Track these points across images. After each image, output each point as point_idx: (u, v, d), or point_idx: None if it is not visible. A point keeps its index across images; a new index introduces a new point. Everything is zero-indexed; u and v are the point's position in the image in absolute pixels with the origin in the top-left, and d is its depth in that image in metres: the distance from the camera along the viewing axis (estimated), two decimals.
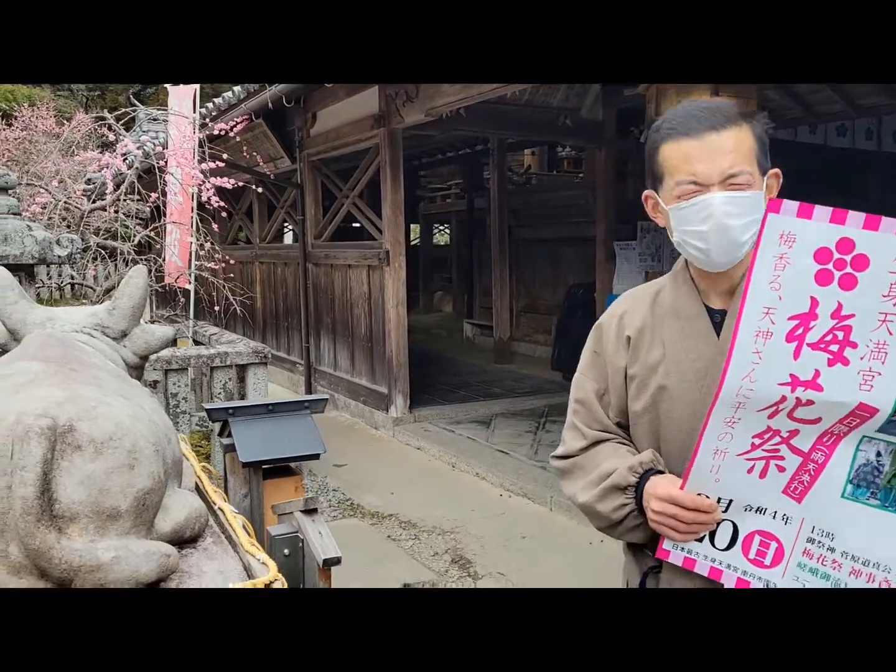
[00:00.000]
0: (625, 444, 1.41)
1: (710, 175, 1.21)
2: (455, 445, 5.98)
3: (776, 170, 1.30)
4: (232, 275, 6.43)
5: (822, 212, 1.05)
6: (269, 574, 1.64)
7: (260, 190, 7.48)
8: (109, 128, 5.50)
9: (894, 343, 1.06)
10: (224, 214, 6.55)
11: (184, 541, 1.84)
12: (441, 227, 15.33)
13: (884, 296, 1.04)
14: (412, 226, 15.11)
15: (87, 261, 5.10)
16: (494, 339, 9.50)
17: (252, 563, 1.72)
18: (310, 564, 1.78)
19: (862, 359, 1.07)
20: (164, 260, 5.68)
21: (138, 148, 5.34)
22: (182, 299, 5.99)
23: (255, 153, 6.66)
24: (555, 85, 6.52)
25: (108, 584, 1.54)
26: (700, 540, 1.25)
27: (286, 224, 9.74)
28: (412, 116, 5.95)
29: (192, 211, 6.03)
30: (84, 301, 5.80)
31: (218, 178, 5.71)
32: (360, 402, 7.10)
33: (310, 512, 1.87)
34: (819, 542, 1.19)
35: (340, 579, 3.82)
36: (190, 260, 6.18)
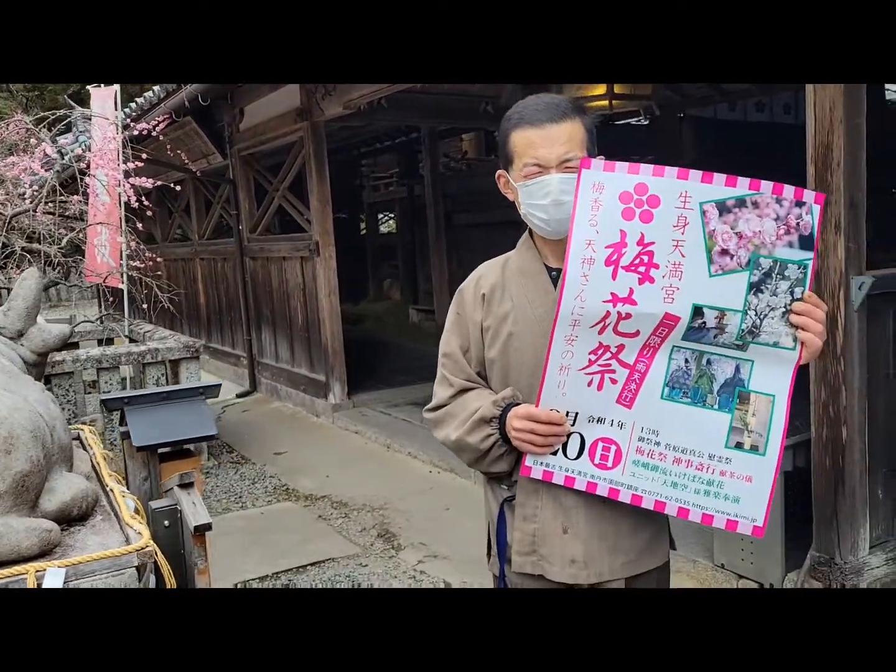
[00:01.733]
0: (489, 390, 1.63)
1: (550, 159, 1.46)
2: (390, 427, 6.16)
3: (601, 157, 1.51)
4: (160, 272, 6.51)
5: (621, 166, 1.35)
6: (142, 541, 1.80)
7: (179, 188, 7.53)
8: (30, 130, 5.53)
9: (687, 263, 1.34)
10: (150, 213, 6.60)
11: (72, 518, 1.99)
12: (387, 216, 15.46)
13: (674, 226, 1.33)
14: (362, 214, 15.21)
15: (13, 265, 5.16)
16: (436, 322, 9.69)
17: (131, 534, 1.89)
18: (187, 532, 1.95)
19: (664, 277, 1.34)
20: (86, 260, 5.74)
21: (58, 151, 5.40)
22: (111, 298, 6.06)
23: (179, 151, 6.73)
24: None
25: None
26: (555, 454, 1.48)
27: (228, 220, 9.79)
28: (332, 109, 6.07)
29: (120, 211, 6.09)
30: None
31: (139, 178, 5.79)
32: (300, 391, 7.25)
33: (186, 486, 2.04)
34: (647, 439, 1.44)
35: (271, 557, 4.02)
36: (120, 259, 6.25)
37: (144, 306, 5.61)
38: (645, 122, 9.28)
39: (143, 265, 5.74)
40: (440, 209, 9.45)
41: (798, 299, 1.34)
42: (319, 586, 3.71)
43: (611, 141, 9.60)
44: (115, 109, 6.34)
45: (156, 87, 6.51)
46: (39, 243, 5.71)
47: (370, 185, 14.16)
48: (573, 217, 1.37)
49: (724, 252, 1.33)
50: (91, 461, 2.50)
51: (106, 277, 5.78)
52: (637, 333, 1.39)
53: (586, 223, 1.36)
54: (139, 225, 5.92)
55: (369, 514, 4.64)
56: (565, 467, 1.49)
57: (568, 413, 1.46)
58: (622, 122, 9.31)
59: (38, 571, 1.67)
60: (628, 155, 10.64)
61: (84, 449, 2.68)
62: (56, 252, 5.51)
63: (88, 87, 6.51)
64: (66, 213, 6.57)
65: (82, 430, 2.88)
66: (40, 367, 2.68)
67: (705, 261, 1.33)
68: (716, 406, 1.40)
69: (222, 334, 9.18)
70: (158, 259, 6.41)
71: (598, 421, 1.46)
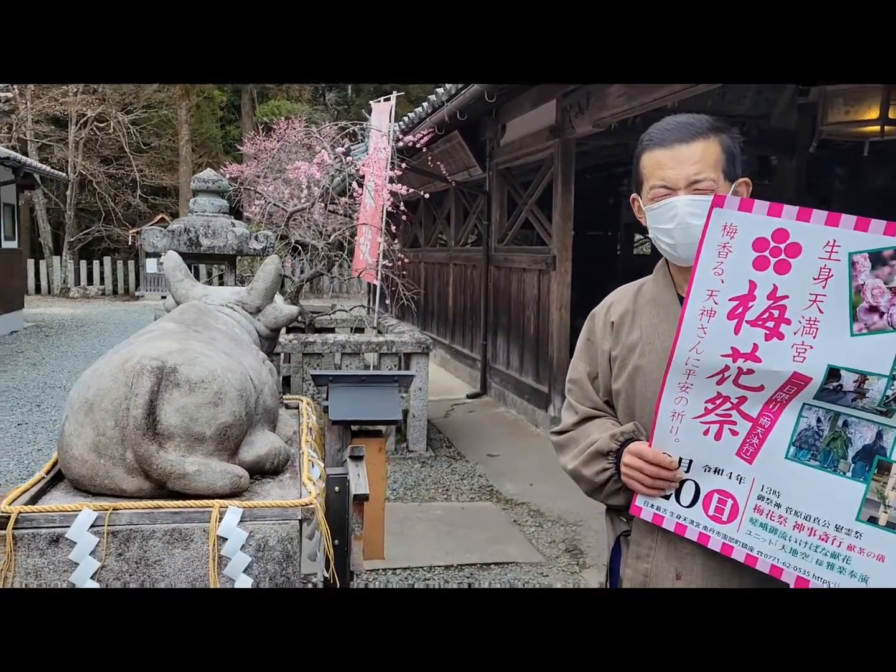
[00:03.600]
0: (613, 420, 1.61)
1: (677, 180, 1.40)
2: None
3: (745, 178, 1.46)
4: (404, 272, 7.05)
5: (760, 206, 1.24)
6: (307, 498, 2.05)
7: (427, 196, 8.06)
8: (351, 136, 6.36)
9: (824, 320, 1.22)
10: (405, 218, 7.19)
11: (266, 471, 2.31)
12: (644, 237, 15.15)
13: (814, 279, 1.22)
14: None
15: (286, 254, 5.95)
16: None
17: (304, 492, 2.15)
18: (351, 499, 2.17)
19: (795, 333, 1.24)
20: (348, 256, 6.43)
21: (335, 159, 6.12)
22: (365, 293, 6.70)
23: (439, 162, 7.24)
24: (742, 92, 6.39)
25: (190, 490, 2.03)
26: (667, 497, 1.44)
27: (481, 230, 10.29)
28: (582, 127, 6.16)
29: (382, 214, 6.72)
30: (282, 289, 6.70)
31: (396, 185, 6.34)
32: (524, 399, 7.42)
33: (356, 459, 2.27)
34: (768, 499, 1.34)
35: (460, 550, 4.22)
36: (378, 258, 6.90)
37: (387, 301, 6.12)
38: None
39: (391, 265, 6.29)
40: None
41: None
42: (498, 586, 3.83)
43: None
44: (390, 122, 7.00)
45: (424, 104, 7.09)
46: (317, 237, 6.50)
47: (628, 205, 14.00)
48: (696, 262, 1.28)
49: (873, 309, 1.19)
50: (299, 428, 2.86)
51: (360, 273, 6.42)
52: (761, 388, 1.29)
53: (710, 271, 1.28)
54: (393, 228, 6.49)
55: (562, 527, 4.67)
56: (677, 514, 1.43)
57: (681, 459, 1.39)
58: None
59: (221, 507, 1.96)
60: None
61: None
62: (323, 246, 6.22)
63: (371, 102, 7.25)
64: (339, 213, 7.36)
65: (302, 401, 3.29)
66: (272, 341, 3.10)
67: (847, 318, 1.20)
68: (849, 473, 1.26)
69: (463, 337, 9.67)
70: (406, 260, 6.96)
71: (714, 471, 1.38)
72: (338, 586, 2.10)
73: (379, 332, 6.96)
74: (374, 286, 7.10)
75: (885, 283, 1.17)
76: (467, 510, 4.99)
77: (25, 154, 21.41)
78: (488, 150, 8.38)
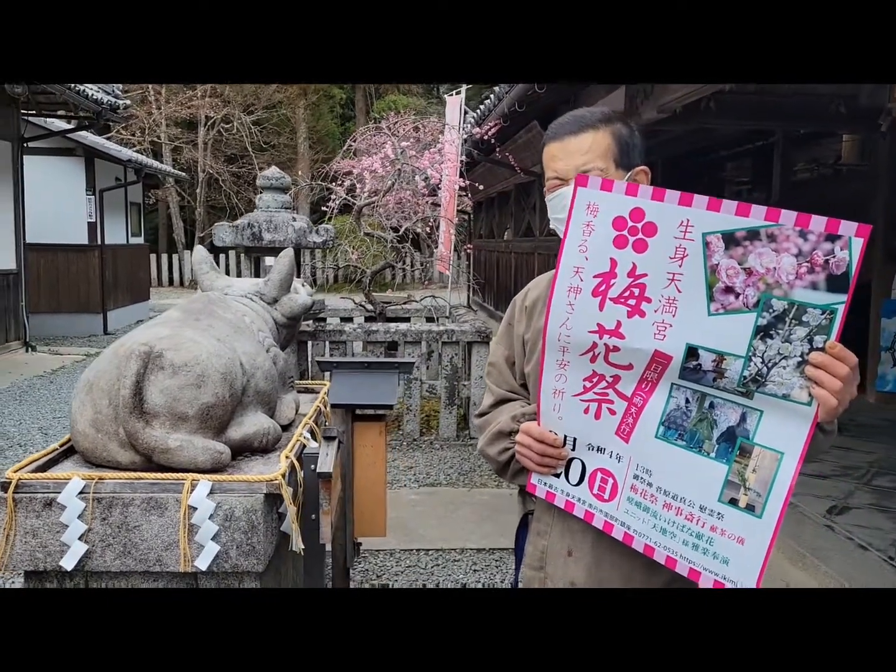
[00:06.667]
0: (526, 402, 1.65)
1: (567, 171, 1.45)
2: None
3: (644, 167, 1.49)
4: (468, 263, 7.12)
5: (619, 185, 1.27)
6: (271, 474, 2.20)
7: (515, 186, 8.03)
8: (382, 132, 6.55)
9: (682, 299, 1.23)
10: (469, 209, 7.28)
11: (255, 449, 2.48)
12: None
13: (671, 258, 1.22)
14: None
15: (352, 247, 6.18)
16: None
17: (276, 469, 2.31)
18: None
19: (656, 311, 1.25)
20: (414, 248, 6.61)
21: (402, 152, 6.28)
22: (428, 281, 6.84)
23: (518, 154, 7.24)
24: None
25: (174, 463, 2.22)
26: (558, 476, 1.48)
27: None
28: (648, 114, 6.01)
29: (453, 207, 6.84)
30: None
31: (461, 179, 6.43)
32: None
33: (329, 439, 2.41)
34: (641, 478, 1.35)
35: (496, 534, 4.30)
36: (450, 249, 7.03)
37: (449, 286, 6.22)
38: None
39: (456, 255, 6.39)
40: None
41: (819, 349, 1.14)
42: None
43: None
44: (460, 114, 7.10)
45: (491, 96, 7.13)
46: (383, 230, 6.71)
47: (733, 192, 13.41)
48: (563, 240, 1.32)
49: (729, 290, 1.18)
50: (310, 411, 3.03)
51: (425, 266, 6.57)
52: (631, 366, 1.31)
53: (576, 248, 1.30)
54: (454, 220, 6.59)
55: None
56: (566, 491, 1.46)
57: (567, 437, 1.43)
58: None
59: (193, 480, 2.14)
60: None
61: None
62: (392, 239, 6.41)
63: (445, 95, 7.37)
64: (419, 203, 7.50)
65: (325, 385, 3.47)
66: (290, 329, 3.28)
67: (705, 298, 1.20)
68: (712, 454, 1.25)
69: None
70: (469, 249, 7.05)
71: (597, 450, 1.41)
72: (301, 554, 2.24)
73: (453, 321, 7.09)
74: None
75: (739, 264, 1.16)
76: (514, 496, 5.03)
77: (160, 155, 23.05)
78: None
